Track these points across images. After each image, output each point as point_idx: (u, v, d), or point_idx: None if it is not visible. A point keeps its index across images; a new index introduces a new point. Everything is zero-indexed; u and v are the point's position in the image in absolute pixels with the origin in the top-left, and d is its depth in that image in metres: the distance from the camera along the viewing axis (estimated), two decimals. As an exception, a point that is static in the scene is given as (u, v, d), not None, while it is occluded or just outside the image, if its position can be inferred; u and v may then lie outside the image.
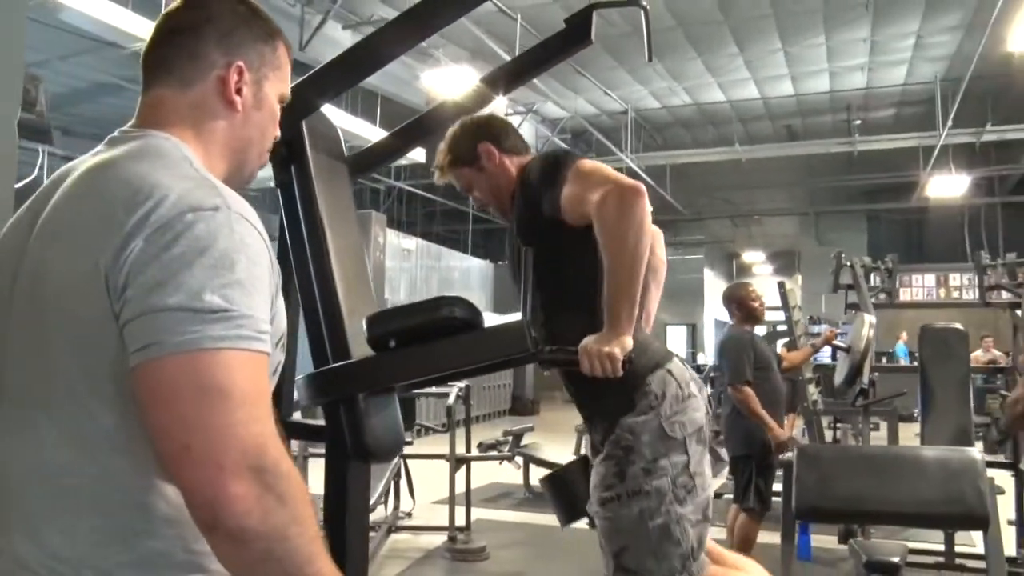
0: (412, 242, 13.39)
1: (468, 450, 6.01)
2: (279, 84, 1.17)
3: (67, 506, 0.94)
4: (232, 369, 0.89)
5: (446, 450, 5.54)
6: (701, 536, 1.89)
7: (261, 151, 1.18)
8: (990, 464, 3.00)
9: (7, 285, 1.02)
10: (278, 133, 1.21)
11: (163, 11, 1.14)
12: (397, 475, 5.58)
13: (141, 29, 6.68)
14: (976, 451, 2.76)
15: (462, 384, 5.55)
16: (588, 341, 1.77)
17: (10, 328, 1.01)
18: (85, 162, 1.06)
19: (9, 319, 1.01)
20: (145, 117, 1.10)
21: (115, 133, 1.10)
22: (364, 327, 1.84)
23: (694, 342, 21.54)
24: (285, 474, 0.90)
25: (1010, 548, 4.03)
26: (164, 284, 0.88)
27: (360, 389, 1.83)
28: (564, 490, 2.15)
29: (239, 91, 1.11)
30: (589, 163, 1.94)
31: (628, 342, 1.76)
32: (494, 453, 6.64)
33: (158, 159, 1.00)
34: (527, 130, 12.79)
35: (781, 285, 6.58)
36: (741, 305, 4.48)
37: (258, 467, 0.87)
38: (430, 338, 1.80)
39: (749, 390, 4.18)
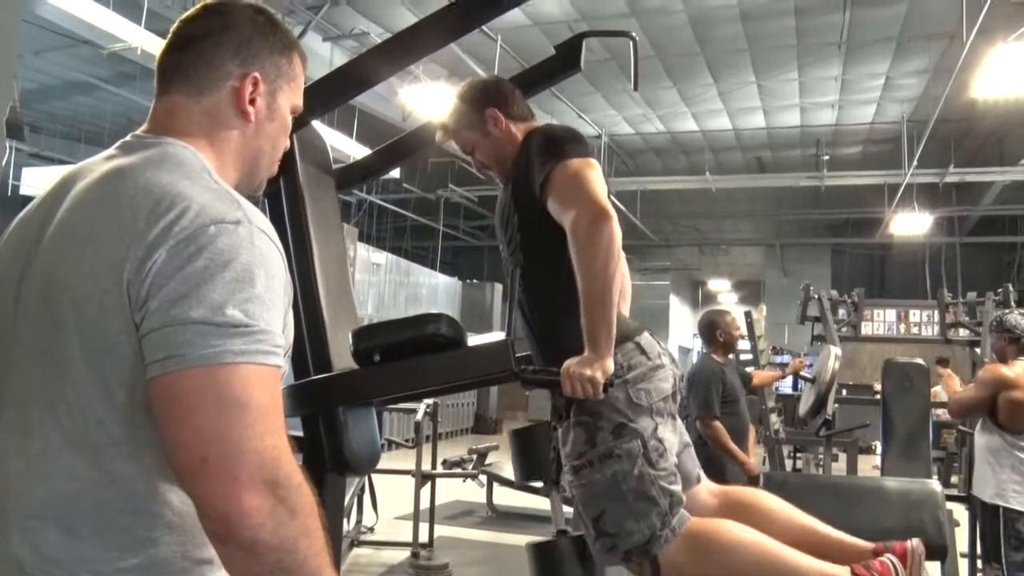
0: (382, 256, 13.35)
1: (433, 467, 6.00)
2: (293, 95, 1.18)
3: (68, 510, 0.94)
4: (250, 383, 0.90)
5: (411, 465, 5.52)
6: (676, 493, 1.89)
7: (272, 161, 1.19)
8: (948, 498, 3.06)
9: (13, 285, 1.02)
10: (288, 144, 1.22)
11: (180, 17, 1.14)
12: (361, 490, 5.55)
13: (121, 30, 6.63)
14: (936, 483, 2.83)
15: (430, 400, 5.55)
16: (570, 364, 1.79)
17: (17, 329, 1.00)
18: (99, 165, 1.05)
19: (16, 320, 1.00)
20: (159, 123, 1.10)
21: (128, 137, 1.09)
22: (350, 340, 1.85)
23: (658, 367, 21.63)
24: (297, 487, 0.91)
25: (963, 581, 4.11)
26: (187, 297, 0.89)
27: (344, 402, 1.84)
28: (528, 447, 2.15)
29: (253, 102, 1.11)
30: (574, 167, 1.93)
31: (609, 365, 1.79)
32: (459, 471, 6.62)
33: (178, 168, 1.01)
34: (502, 150, 12.85)
35: (748, 315, 6.69)
36: (724, 333, 4.48)
37: (272, 480, 0.88)
38: (415, 354, 1.82)
39: (719, 424, 4.19)
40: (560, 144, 1.98)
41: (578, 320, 1.84)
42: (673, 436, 1.96)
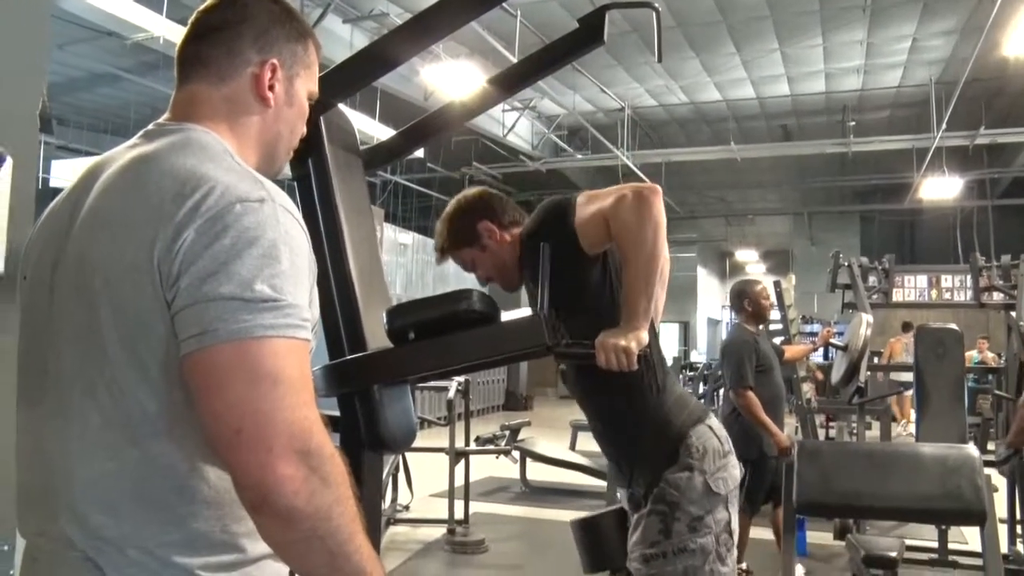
0: (408, 236, 13.40)
1: (467, 444, 6.05)
2: (309, 82, 1.21)
3: (111, 488, 0.97)
4: (281, 356, 0.93)
5: (444, 443, 5.58)
6: None
7: (290, 146, 1.22)
8: (984, 463, 3.05)
9: (47, 273, 1.05)
10: (304, 130, 1.24)
11: (198, 8, 1.17)
12: (396, 468, 5.62)
13: (143, 20, 6.67)
14: (973, 448, 2.81)
15: (461, 378, 5.58)
16: (605, 335, 1.78)
17: (54, 315, 1.03)
18: (123, 154, 1.08)
19: (51, 307, 1.03)
20: (180, 111, 1.12)
21: (150, 126, 1.12)
22: (384, 319, 1.87)
23: (687, 340, 21.63)
24: (329, 456, 0.94)
25: (1002, 546, 4.09)
26: (216, 274, 0.92)
27: (379, 380, 1.86)
28: (594, 537, 2.15)
29: (271, 88, 1.14)
30: (591, 191, 1.95)
31: (644, 337, 1.78)
32: (492, 447, 6.67)
33: (201, 152, 1.03)
34: (524, 127, 12.82)
35: (777, 284, 6.63)
36: (752, 302, 4.44)
37: (304, 450, 0.91)
38: (448, 330, 1.83)
39: (752, 395, 4.16)
40: (561, 199, 1.99)
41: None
42: (738, 526, 1.98)
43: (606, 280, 1.97)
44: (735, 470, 1.98)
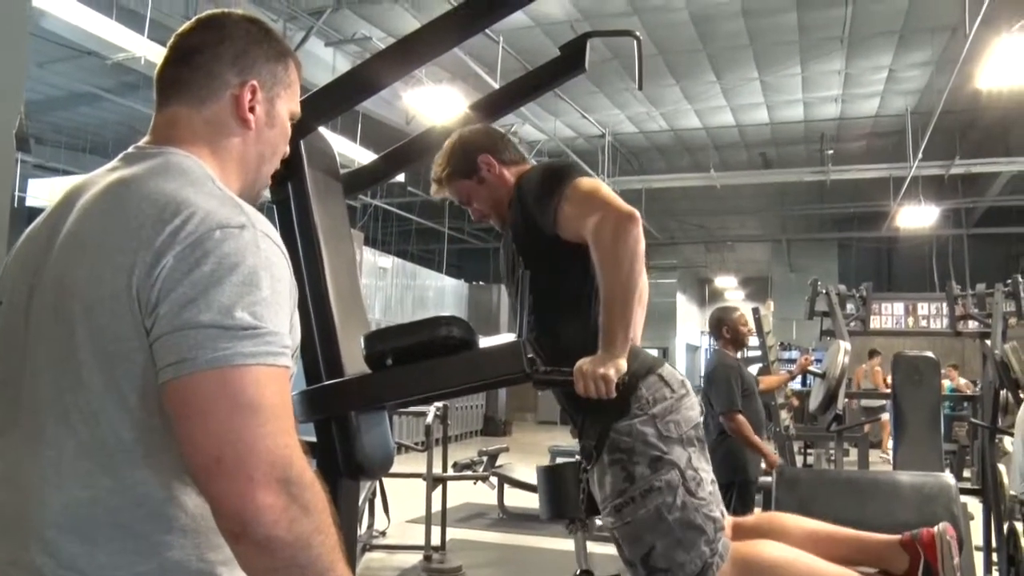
0: (388, 260, 13.36)
1: (444, 470, 6.00)
2: (290, 102, 1.20)
3: (85, 517, 0.95)
4: (261, 384, 0.92)
5: (422, 469, 5.53)
6: (718, 519, 1.91)
7: (272, 167, 1.22)
8: (961, 491, 3.05)
9: (24, 298, 1.03)
10: (287, 150, 1.24)
11: (177, 30, 1.17)
12: (373, 494, 5.56)
13: (124, 40, 6.65)
14: (949, 476, 2.82)
15: (440, 403, 5.55)
16: (583, 363, 1.79)
17: (30, 341, 1.01)
18: (103, 178, 1.07)
19: (27, 331, 1.01)
20: (161, 134, 1.12)
21: (130, 149, 1.11)
22: (362, 344, 1.85)
23: (666, 365, 21.59)
24: (309, 485, 0.92)
25: (978, 574, 4.09)
26: (196, 301, 0.91)
27: (357, 407, 1.84)
28: (557, 485, 2.17)
29: (252, 109, 1.14)
30: (588, 182, 1.95)
31: (622, 364, 1.79)
32: (469, 473, 6.62)
33: (182, 176, 1.02)
34: (505, 151, 12.85)
35: (756, 311, 6.65)
36: (731, 329, 4.50)
37: (285, 479, 0.90)
38: (427, 357, 1.82)
39: (742, 418, 4.19)
40: (565, 170, 2.02)
41: (586, 334, 1.87)
42: (707, 465, 1.97)
43: (581, 261, 1.95)
44: (690, 411, 1.96)
